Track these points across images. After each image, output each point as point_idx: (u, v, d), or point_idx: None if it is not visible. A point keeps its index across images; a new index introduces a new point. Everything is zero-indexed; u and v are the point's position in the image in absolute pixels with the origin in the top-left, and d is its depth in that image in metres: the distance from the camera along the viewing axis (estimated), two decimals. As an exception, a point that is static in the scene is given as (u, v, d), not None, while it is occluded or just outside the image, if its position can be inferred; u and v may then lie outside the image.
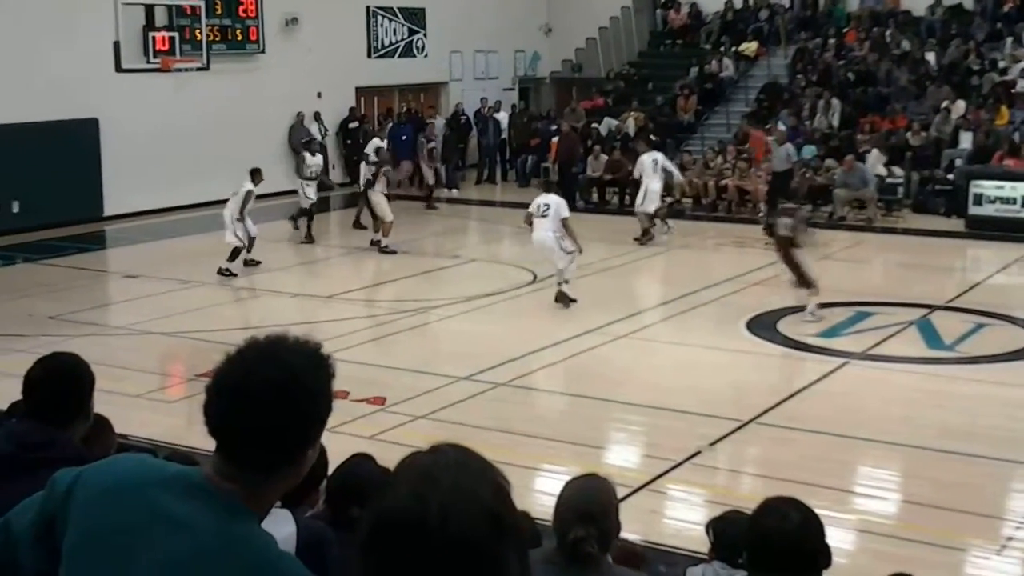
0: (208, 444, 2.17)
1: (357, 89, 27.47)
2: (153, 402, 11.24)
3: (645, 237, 19.40)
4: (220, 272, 16.93)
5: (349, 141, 26.78)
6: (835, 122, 24.93)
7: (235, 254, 17.14)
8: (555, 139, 25.45)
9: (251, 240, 17.44)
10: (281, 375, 2.11)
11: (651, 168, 19.49)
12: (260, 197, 22.71)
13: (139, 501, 2.12)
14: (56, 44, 20.56)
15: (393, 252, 18.64)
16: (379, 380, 11.51)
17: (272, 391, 2.09)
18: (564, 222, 14.81)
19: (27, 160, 20.10)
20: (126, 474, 2.21)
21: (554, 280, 15.04)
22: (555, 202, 14.97)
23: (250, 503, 2.14)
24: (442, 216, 23.41)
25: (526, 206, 19.58)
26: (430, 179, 24.21)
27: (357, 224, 20.73)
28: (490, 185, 27.24)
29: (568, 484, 3.49)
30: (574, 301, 14.82)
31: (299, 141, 25.46)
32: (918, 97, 25.35)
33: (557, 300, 14.83)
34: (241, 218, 17.20)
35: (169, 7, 22.72)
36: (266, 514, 2.22)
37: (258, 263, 17.45)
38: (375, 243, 18.88)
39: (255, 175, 17.58)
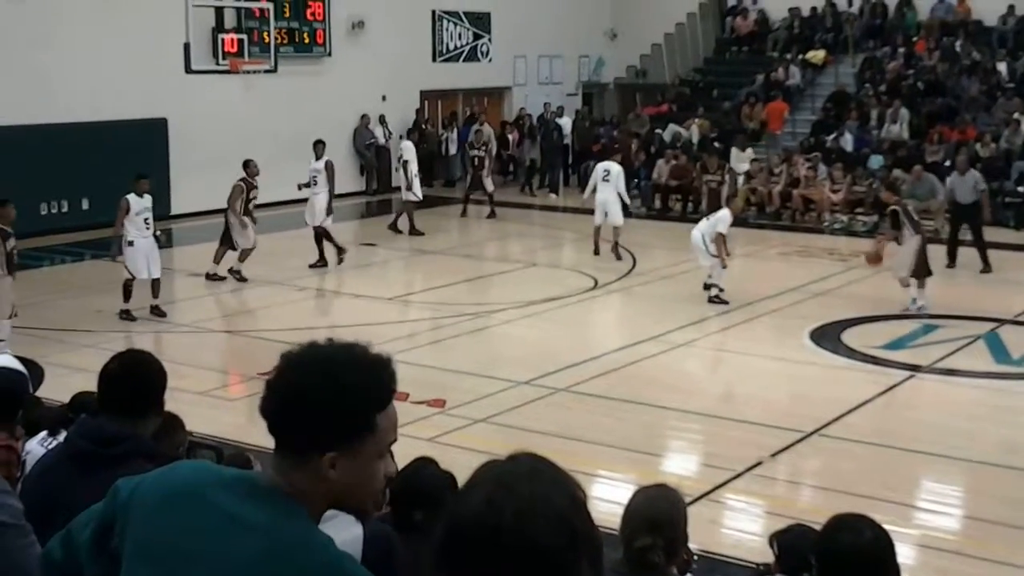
0: (270, 442, 2.20)
1: (422, 92, 27.61)
2: (216, 399, 11.37)
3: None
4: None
5: (424, 144, 27.01)
6: (904, 132, 24.62)
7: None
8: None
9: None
10: (321, 372, 2.15)
11: (601, 177, 18.74)
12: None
13: (200, 504, 2.15)
14: (127, 45, 20.91)
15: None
16: (439, 383, 11.55)
17: (318, 388, 2.12)
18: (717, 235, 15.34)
19: (98, 159, 20.45)
20: (186, 479, 2.25)
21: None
22: (720, 216, 15.60)
23: (308, 502, 2.17)
24: (503, 221, 23.43)
25: (588, 212, 19.73)
26: (489, 187, 23.61)
27: (393, 227, 21.06)
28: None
29: (637, 492, 3.48)
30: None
31: (363, 144, 25.70)
32: (988, 108, 24.98)
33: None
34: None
35: (238, 9, 22.99)
36: (322, 514, 2.23)
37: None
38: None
39: (246, 166, 16.90)
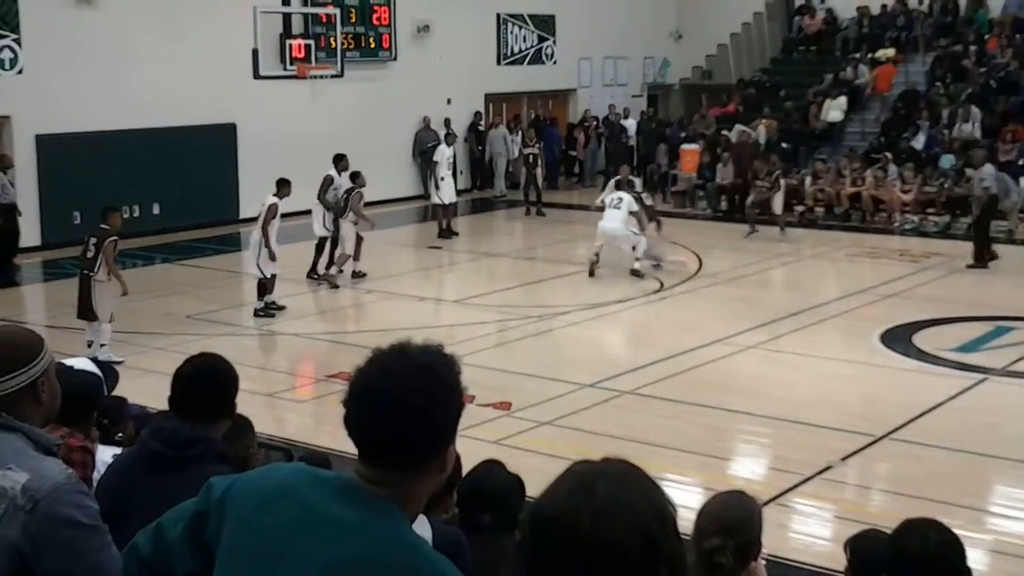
0: (337, 444, 2.22)
1: (486, 95, 27.69)
2: (284, 401, 11.49)
3: None
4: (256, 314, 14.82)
5: (481, 147, 27.11)
6: (976, 131, 24.20)
7: (261, 290, 14.91)
8: (683, 147, 25.33)
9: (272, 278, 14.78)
10: (416, 376, 2.13)
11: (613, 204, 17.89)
12: (385, 202, 23.14)
13: (297, 504, 2.17)
14: (197, 52, 21.20)
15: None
16: (505, 385, 11.56)
17: (410, 393, 2.11)
18: (633, 214, 16.97)
19: (169, 164, 20.82)
20: (283, 479, 2.26)
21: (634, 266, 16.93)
22: (627, 198, 17.13)
23: (411, 504, 2.18)
24: (568, 223, 23.42)
25: (659, 212, 19.63)
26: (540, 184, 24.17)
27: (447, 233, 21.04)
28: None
29: (712, 497, 3.47)
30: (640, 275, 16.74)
31: (425, 146, 25.82)
32: (1063, 106, 24.48)
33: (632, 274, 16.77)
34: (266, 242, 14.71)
35: (305, 15, 23.23)
36: (416, 516, 2.24)
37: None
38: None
39: (355, 178, 16.85)
